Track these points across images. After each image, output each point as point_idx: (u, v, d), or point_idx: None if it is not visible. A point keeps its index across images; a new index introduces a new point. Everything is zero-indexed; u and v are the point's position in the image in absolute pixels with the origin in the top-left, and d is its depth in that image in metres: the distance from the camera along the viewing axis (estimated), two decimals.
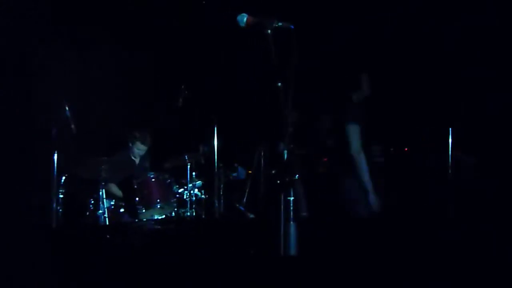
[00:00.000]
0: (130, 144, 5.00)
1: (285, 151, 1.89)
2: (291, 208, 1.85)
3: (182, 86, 4.66)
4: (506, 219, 3.98)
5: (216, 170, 4.66)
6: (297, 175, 1.85)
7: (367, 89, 4.20)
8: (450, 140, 4.91)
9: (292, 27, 2.20)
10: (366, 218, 4.30)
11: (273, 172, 5.10)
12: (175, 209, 4.81)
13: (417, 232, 3.73)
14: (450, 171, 4.92)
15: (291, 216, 1.85)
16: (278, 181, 1.84)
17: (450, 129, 4.58)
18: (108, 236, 4.10)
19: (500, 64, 4.96)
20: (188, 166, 4.95)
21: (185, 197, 4.90)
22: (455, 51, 5.15)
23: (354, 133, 4.23)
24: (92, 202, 4.52)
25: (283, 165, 1.87)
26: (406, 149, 6.29)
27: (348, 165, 4.52)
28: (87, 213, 4.54)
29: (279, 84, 2.05)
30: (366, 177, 4.18)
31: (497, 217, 4.11)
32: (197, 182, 5.07)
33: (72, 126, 4.15)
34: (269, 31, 2.19)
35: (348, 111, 4.16)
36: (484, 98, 5.11)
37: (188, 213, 4.84)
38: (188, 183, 4.91)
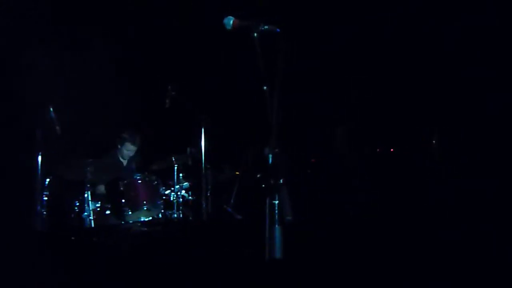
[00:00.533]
0: (119, 146, 4.97)
1: (270, 155, 1.90)
2: (276, 211, 1.85)
3: (169, 87, 4.63)
4: (502, 219, 4.00)
5: (203, 171, 4.64)
6: (282, 180, 1.85)
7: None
8: (434, 141, 4.98)
9: (278, 30, 2.20)
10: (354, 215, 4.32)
11: (258, 176, 5.10)
12: (162, 211, 4.78)
13: (404, 231, 3.76)
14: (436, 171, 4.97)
15: (276, 220, 1.86)
16: (263, 185, 1.84)
17: (435, 130, 4.63)
18: (94, 239, 4.07)
19: (500, 64, 4.97)
20: (176, 168, 4.92)
21: (172, 199, 4.88)
22: (455, 51, 5.15)
23: (341, 134, 4.26)
24: (77, 204, 4.47)
25: (268, 169, 1.88)
26: (392, 149, 6.35)
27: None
28: (72, 216, 4.49)
29: (265, 87, 2.05)
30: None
31: (489, 218, 4.14)
32: (184, 184, 5.04)
33: (57, 127, 4.10)
34: (255, 34, 2.18)
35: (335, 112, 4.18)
36: (484, 98, 5.12)
37: (175, 215, 4.82)
38: (175, 184, 4.89)
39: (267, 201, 1.87)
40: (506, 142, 5.00)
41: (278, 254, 1.89)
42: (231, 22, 2.24)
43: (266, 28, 2.21)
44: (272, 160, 1.90)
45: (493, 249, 3.26)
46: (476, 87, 5.09)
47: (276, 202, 1.86)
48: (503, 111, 4.94)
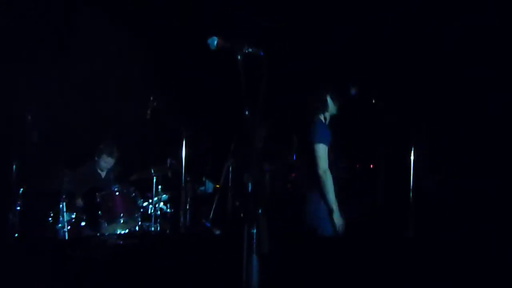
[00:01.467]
0: (97, 158, 4.91)
1: (250, 183, 1.89)
2: (254, 241, 1.84)
3: (151, 98, 4.60)
4: (502, 219, 3.99)
5: (183, 183, 4.60)
6: (261, 210, 1.84)
7: (333, 108, 4.18)
8: (412, 157, 5.02)
9: (262, 54, 2.20)
10: (329, 237, 4.30)
11: (237, 204, 5.06)
12: (139, 223, 4.71)
13: (381, 251, 3.76)
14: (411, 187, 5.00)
15: (254, 249, 1.84)
16: (242, 214, 1.83)
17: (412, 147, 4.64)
18: (67, 251, 3.98)
19: (500, 64, 4.96)
20: (155, 179, 4.87)
21: (149, 211, 4.81)
22: (455, 51, 5.16)
23: (321, 152, 4.22)
24: (52, 215, 4.37)
25: (247, 197, 1.87)
26: (371, 165, 6.38)
27: (314, 183, 4.51)
28: (46, 227, 4.39)
29: (247, 112, 2.04)
30: (331, 196, 4.18)
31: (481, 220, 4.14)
32: (162, 196, 4.99)
33: (34, 135, 4.03)
34: (239, 56, 2.18)
35: (316, 130, 4.15)
36: (484, 98, 5.13)
37: (152, 228, 4.75)
38: (154, 196, 4.83)
39: (245, 229, 1.86)
40: (506, 142, 5.02)
41: (254, 279, 1.88)
42: (215, 42, 2.23)
43: (250, 51, 2.20)
44: (251, 188, 1.89)
45: (493, 249, 3.26)
46: (476, 87, 5.11)
47: (254, 231, 1.85)
48: (503, 111, 4.96)
